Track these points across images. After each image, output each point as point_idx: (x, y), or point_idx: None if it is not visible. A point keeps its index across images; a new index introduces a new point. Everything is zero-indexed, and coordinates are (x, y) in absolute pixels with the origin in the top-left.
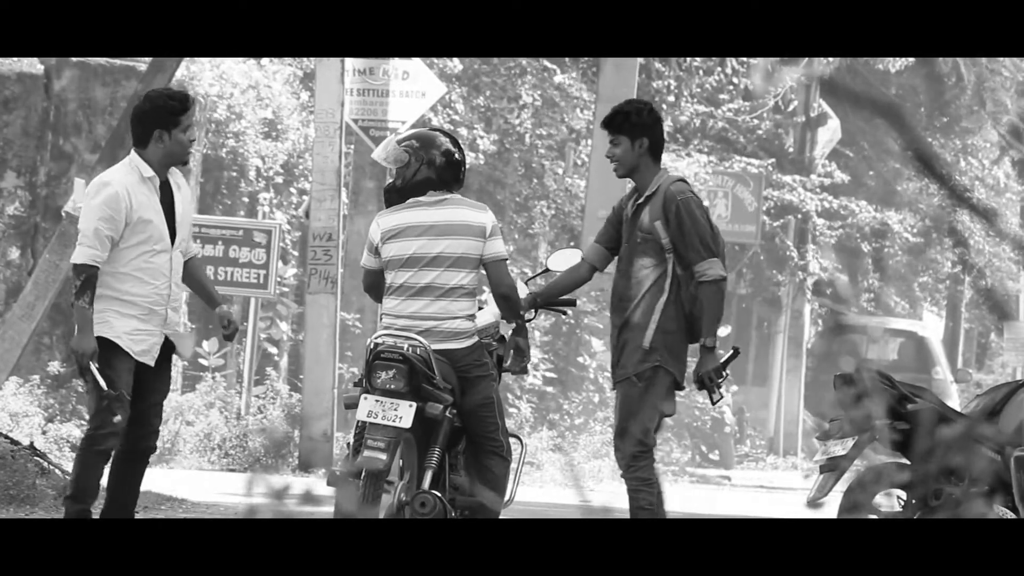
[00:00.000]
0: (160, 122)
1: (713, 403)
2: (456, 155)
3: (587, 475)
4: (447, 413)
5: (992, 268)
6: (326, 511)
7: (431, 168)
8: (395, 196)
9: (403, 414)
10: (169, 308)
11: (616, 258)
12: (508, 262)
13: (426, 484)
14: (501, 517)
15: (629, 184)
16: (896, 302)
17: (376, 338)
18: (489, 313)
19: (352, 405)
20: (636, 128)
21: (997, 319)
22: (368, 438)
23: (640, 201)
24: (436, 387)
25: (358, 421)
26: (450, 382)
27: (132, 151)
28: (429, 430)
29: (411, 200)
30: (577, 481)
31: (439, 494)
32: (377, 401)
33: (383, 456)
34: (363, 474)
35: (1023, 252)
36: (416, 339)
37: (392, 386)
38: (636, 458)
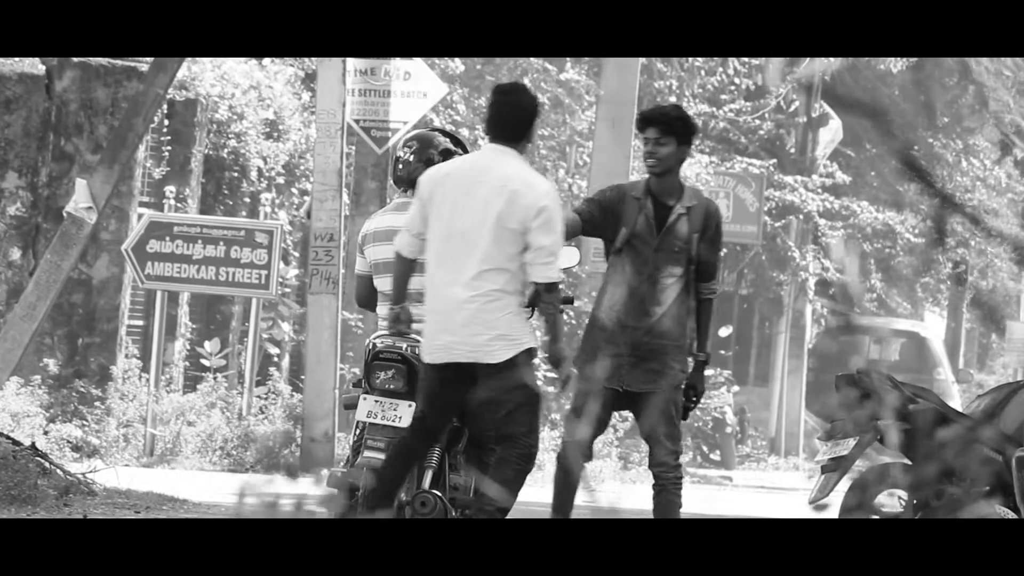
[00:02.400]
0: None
1: (685, 419)
2: (456, 154)
3: (588, 475)
4: None
5: (994, 269)
6: (325, 511)
7: (429, 166)
8: (403, 183)
9: (402, 414)
10: None
11: (600, 255)
12: None
13: (426, 484)
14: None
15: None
16: (898, 303)
17: (375, 338)
18: None
19: (351, 406)
20: (686, 136)
21: (991, 326)
22: (368, 438)
23: (682, 212)
24: None
25: (358, 422)
26: None
27: (512, 148)
28: None
29: (395, 200)
30: (587, 482)
31: (439, 494)
32: (376, 401)
33: (383, 456)
34: (362, 485)
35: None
36: (415, 338)
37: (391, 386)
38: (678, 457)
